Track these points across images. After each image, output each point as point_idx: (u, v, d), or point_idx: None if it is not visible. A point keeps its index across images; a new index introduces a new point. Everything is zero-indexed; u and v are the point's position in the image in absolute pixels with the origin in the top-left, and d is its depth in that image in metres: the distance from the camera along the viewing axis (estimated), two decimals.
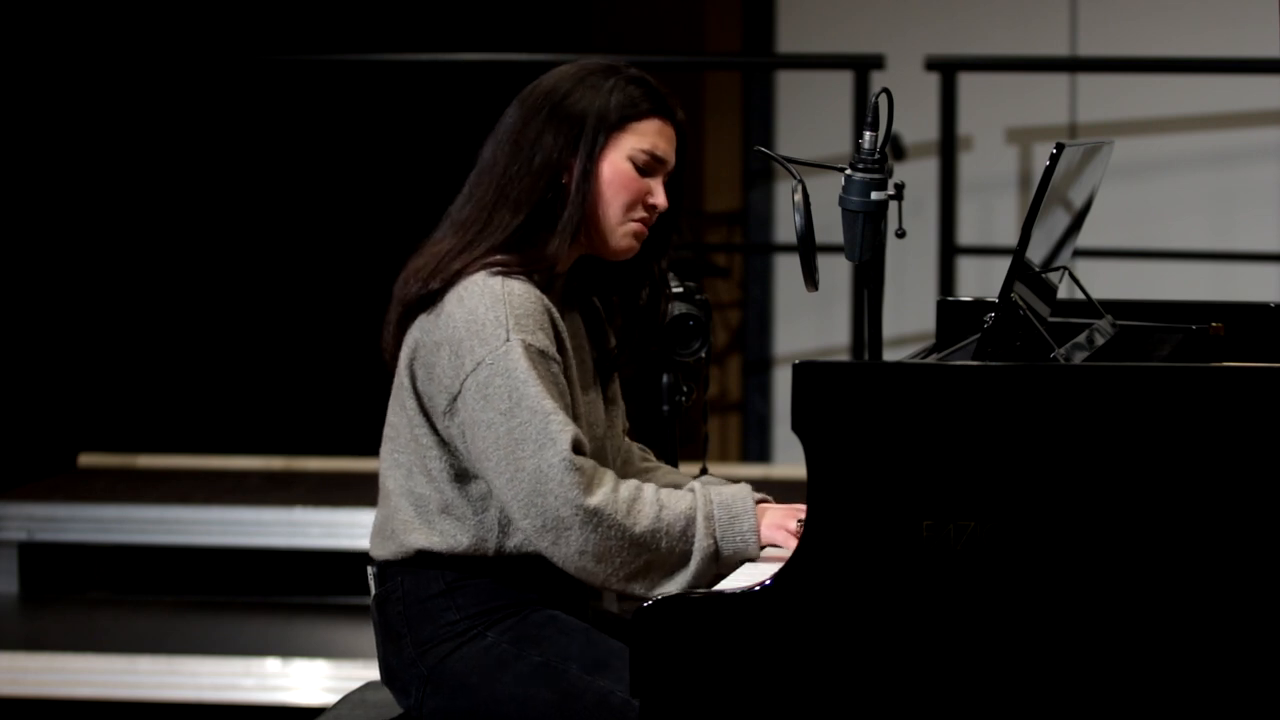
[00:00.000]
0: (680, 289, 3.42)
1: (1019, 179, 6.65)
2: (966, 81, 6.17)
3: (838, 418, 2.43)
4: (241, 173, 6.60)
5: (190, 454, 6.27)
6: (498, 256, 2.79)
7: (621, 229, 2.86)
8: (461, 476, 2.80)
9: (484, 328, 2.72)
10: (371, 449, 2.98)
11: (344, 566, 5.38)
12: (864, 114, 2.66)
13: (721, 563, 2.72)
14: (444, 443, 2.80)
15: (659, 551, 2.70)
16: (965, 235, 6.38)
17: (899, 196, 2.63)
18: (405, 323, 2.83)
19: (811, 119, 6.75)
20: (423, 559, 2.83)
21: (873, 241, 2.63)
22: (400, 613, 2.85)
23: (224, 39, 6.59)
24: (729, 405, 7.04)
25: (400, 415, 2.85)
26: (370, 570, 2.91)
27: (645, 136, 2.85)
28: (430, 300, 2.80)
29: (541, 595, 2.83)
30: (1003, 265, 2.79)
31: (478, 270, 2.78)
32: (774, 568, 2.52)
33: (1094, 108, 6.57)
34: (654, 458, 3.12)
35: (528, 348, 2.71)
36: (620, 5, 7.31)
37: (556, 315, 2.79)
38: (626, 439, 3.07)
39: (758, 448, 6.98)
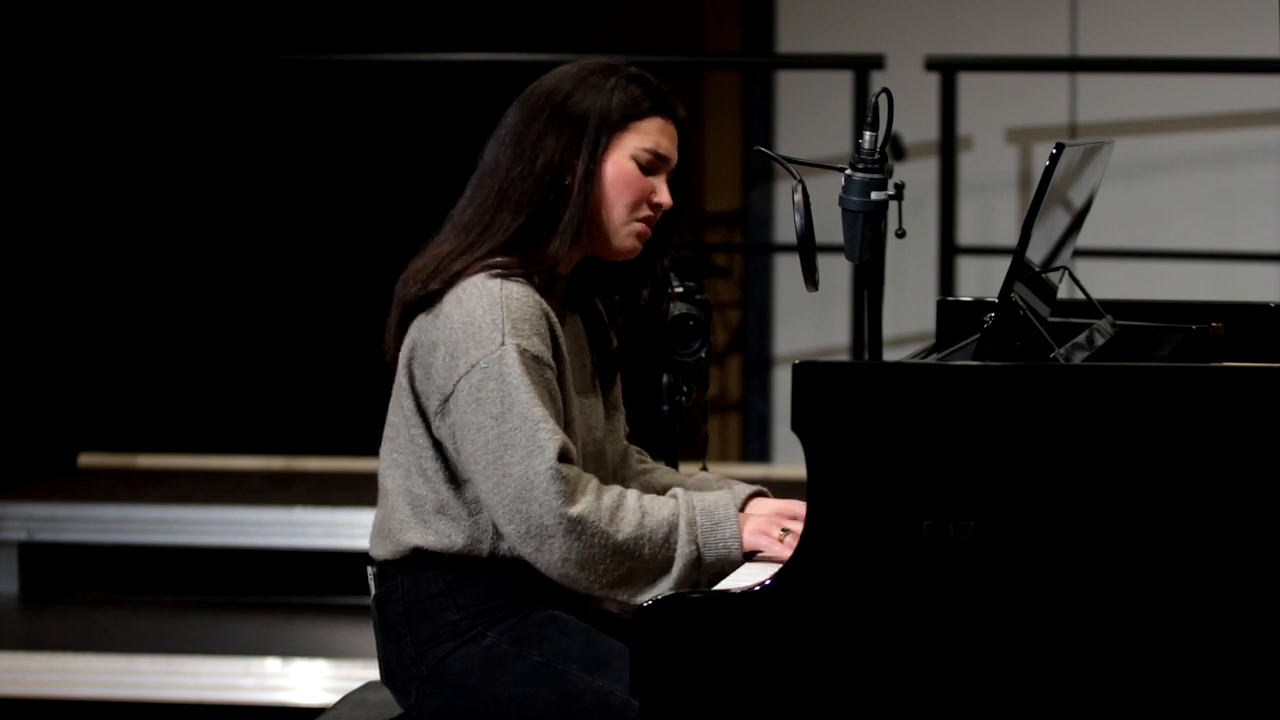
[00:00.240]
0: (680, 289, 3.41)
1: (1019, 179, 6.65)
2: (966, 81, 6.17)
3: (838, 418, 2.43)
4: (242, 173, 6.60)
5: (190, 454, 6.27)
6: (498, 258, 2.79)
7: (626, 229, 2.86)
8: (457, 478, 2.80)
9: (480, 330, 2.72)
10: (371, 449, 2.98)
11: (344, 566, 5.38)
12: (864, 114, 2.66)
13: (704, 569, 2.73)
14: (439, 444, 2.81)
15: (642, 559, 2.70)
16: (965, 235, 6.38)
17: (899, 196, 2.63)
18: (405, 323, 2.84)
19: (811, 119, 6.75)
20: (421, 559, 2.83)
21: (873, 241, 2.63)
22: (400, 613, 2.85)
23: (224, 39, 6.59)
24: (729, 405, 7.04)
25: (398, 415, 2.85)
26: (370, 570, 2.91)
27: (648, 135, 2.85)
28: (430, 301, 2.80)
29: (541, 595, 2.83)
30: (1003, 265, 2.79)
31: (477, 272, 2.78)
32: (774, 568, 2.52)
33: (1094, 108, 6.57)
34: (650, 459, 3.12)
35: (522, 353, 2.71)
36: (620, 5, 7.31)
37: (555, 320, 2.79)
38: (625, 441, 3.07)
39: (758, 448, 6.98)
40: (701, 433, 3.68)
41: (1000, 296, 2.69)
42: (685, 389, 3.53)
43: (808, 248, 2.65)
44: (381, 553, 2.88)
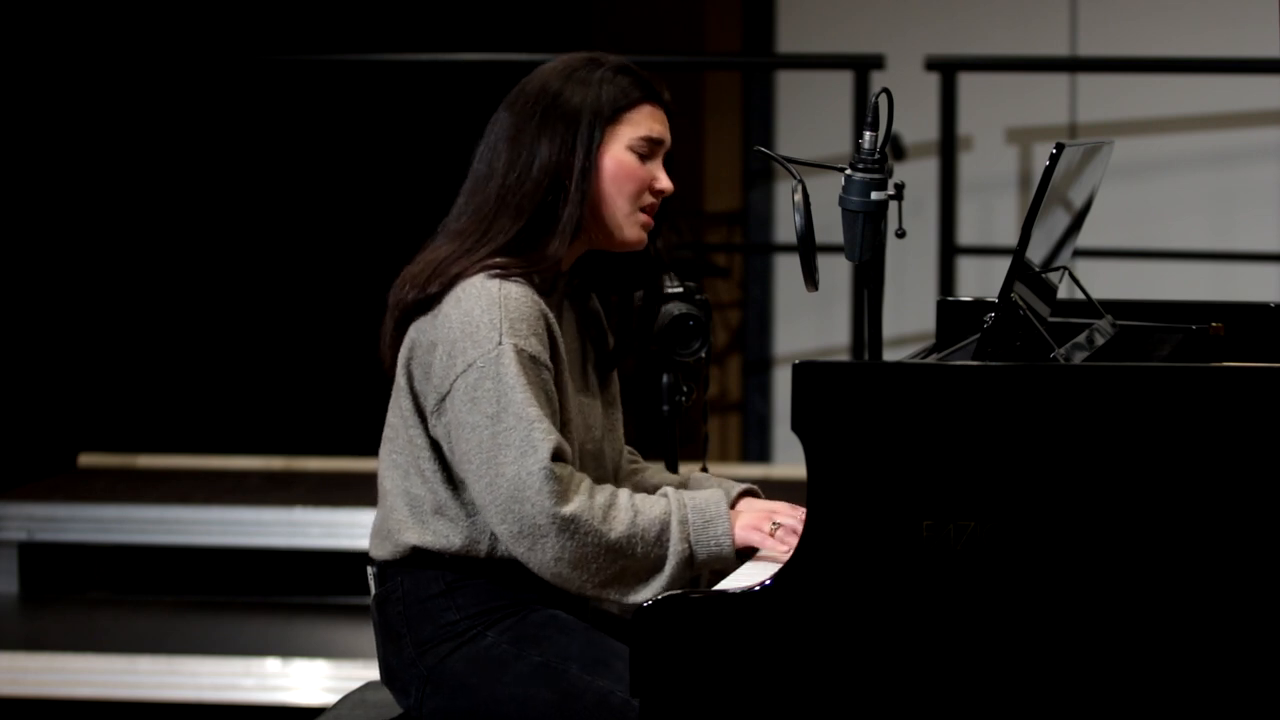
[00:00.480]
0: (680, 289, 3.41)
1: (1019, 179, 6.65)
2: (966, 81, 6.17)
3: (838, 418, 2.43)
4: (241, 173, 6.60)
5: (190, 454, 6.27)
6: (498, 259, 2.79)
7: (630, 219, 2.86)
8: (454, 478, 2.80)
9: (478, 330, 2.72)
10: (371, 449, 2.98)
11: (344, 566, 5.38)
12: (864, 114, 2.66)
13: (697, 567, 2.73)
14: (436, 444, 2.81)
15: (634, 557, 2.70)
16: (965, 235, 6.38)
17: (899, 196, 2.63)
18: (402, 329, 2.83)
19: (811, 119, 6.75)
20: (421, 559, 2.83)
21: (873, 241, 2.63)
22: (400, 613, 2.85)
23: (224, 39, 6.59)
24: (729, 405, 7.04)
25: (397, 416, 2.85)
26: (370, 570, 2.91)
27: (640, 124, 2.85)
28: (429, 303, 2.80)
29: (540, 595, 2.83)
30: (1003, 265, 2.79)
31: (476, 272, 2.78)
32: (774, 567, 2.52)
33: (1094, 108, 6.57)
34: (640, 459, 3.12)
35: (519, 353, 2.71)
36: (620, 5, 7.30)
37: (553, 320, 2.79)
38: (623, 440, 3.07)
39: (758, 448, 6.98)
40: (701, 433, 3.68)
41: (1000, 296, 2.69)
42: (685, 389, 3.53)
43: (808, 248, 2.65)
44: (381, 553, 2.88)
